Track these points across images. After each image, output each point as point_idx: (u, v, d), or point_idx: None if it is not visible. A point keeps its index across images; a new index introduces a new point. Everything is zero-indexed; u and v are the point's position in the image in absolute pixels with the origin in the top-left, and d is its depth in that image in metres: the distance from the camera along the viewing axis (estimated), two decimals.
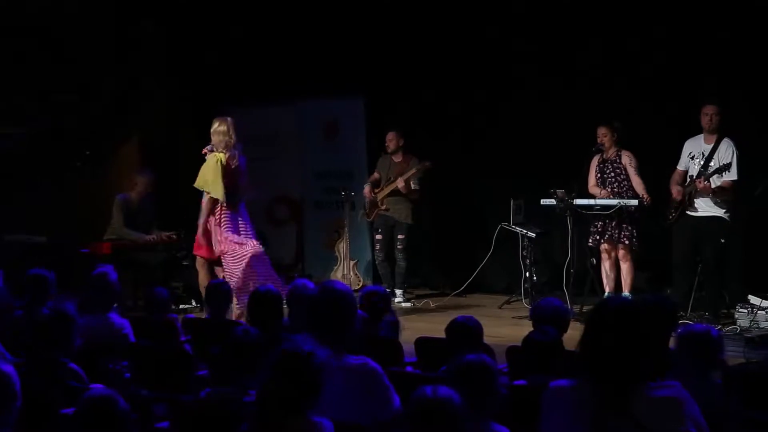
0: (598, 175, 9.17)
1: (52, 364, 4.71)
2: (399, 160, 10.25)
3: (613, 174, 9.07)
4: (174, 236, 10.04)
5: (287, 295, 5.88)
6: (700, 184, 8.36)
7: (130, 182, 10.32)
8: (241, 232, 8.48)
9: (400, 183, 9.99)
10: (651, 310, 4.69)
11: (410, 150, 10.30)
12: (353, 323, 4.00)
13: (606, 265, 9.11)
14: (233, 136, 8.49)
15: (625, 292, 8.93)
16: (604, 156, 9.13)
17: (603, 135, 9.05)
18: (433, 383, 3.37)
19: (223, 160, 8.37)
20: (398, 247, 10.23)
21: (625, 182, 9.02)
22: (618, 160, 9.05)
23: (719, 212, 8.45)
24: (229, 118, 8.55)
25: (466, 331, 5.10)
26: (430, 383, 4.33)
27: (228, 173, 8.38)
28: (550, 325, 4.80)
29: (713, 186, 8.36)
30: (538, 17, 10.22)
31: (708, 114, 8.43)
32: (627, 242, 8.93)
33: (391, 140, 10.19)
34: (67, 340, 4.90)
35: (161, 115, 11.85)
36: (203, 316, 7.32)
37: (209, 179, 8.34)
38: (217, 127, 8.47)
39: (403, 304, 10.07)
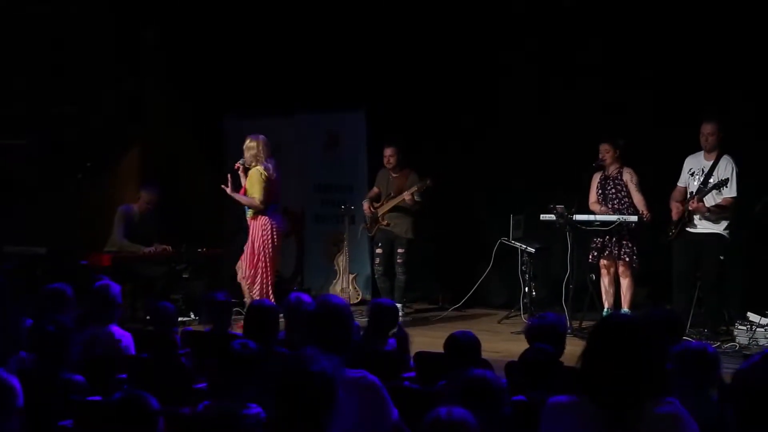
0: (600, 191, 9.18)
1: (53, 376, 4.72)
2: (397, 175, 10.25)
3: (614, 191, 9.08)
4: (171, 248, 10.08)
5: (284, 308, 5.89)
6: (693, 204, 8.37)
7: (134, 195, 10.34)
8: None
9: (407, 196, 10.00)
10: (655, 324, 4.70)
11: (410, 164, 10.31)
12: (350, 337, 4.00)
13: (605, 281, 9.12)
14: (262, 153, 9.07)
15: (625, 308, 8.94)
16: (606, 173, 9.14)
17: (605, 151, 9.06)
18: (433, 400, 3.35)
19: (263, 172, 8.99)
20: (398, 261, 10.23)
21: (626, 199, 9.03)
22: (619, 177, 9.06)
23: (719, 229, 8.46)
24: (261, 137, 9.16)
25: (464, 346, 5.10)
26: (428, 397, 4.35)
27: (270, 183, 9.07)
28: (545, 343, 4.80)
29: (708, 205, 8.37)
30: (539, 32, 10.25)
31: (704, 134, 8.45)
32: (627, 259, 8.94)
33: (391, 155, 10.20)
34: (63, 354, 4.91)
35: (162, 127, 11.86)
36: (202, 329, 7.34)
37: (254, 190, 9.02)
38: (248, 144, 9.14)
39: (402, 318, 10.07)
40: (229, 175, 9.19)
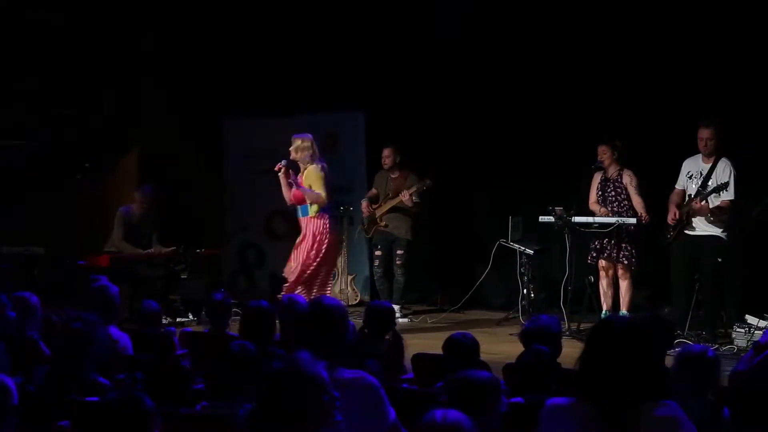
0: (599, 193, 9.18)
1: (59, 377, 4.72)
2: (396, 176, 10.26)
3: (614, 193, 9.07)
4: (173, 251, 10.10)
5: (278, 310, 5.89)
6: (697, 205, 8.36)
7: (131, 197, 10.36)
8: None
9: (405, 197, 10.00)
10: (649, 328, 4.71)
11: (408, 165, 10.32)
12: (344, 337, 4.01)
13: (603, 283, 9.12)
14: (317, 151, 8.95)
15: (624, 311, 8.94)
16: (606, 175, 9.13)
17: (603, 153, 9.06)
18: (432, 401, 3.34)
19: (319, 170, 8.86)
20: (397, 262, 10.24)
21: (626, 202, 9.02)
22: (619, 180, 9.06)
23: (717, 231, 8.45)
24: (310, 135, 9.02)
25: (462, 348, 5.10)
26: (426, 398, 4.34)
27: (327, 181, 8.93)
28: (539, 344, 4.80)
29: (711, 206, 8.37)
30: (538, 35, 10.25)
31: (702, 139, 8.43)
32: (626, 262, 8.93)
33: (388, 156, 10.21)
34: (88, 352, 4.90)
35: (161, 128, 11.87)
36: (201, 330, 7.34)
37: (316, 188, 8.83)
38: (301, 144, 8.93)
39: (401, 320, 10.07)
40: (291, 171, 9.03)
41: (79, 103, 11.25)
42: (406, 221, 10.24)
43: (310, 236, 8.93)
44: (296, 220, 11.83)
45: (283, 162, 8.98)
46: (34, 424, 4.04)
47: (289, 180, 8.97)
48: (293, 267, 8.97)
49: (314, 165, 8.90)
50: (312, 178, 8.87)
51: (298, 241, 9.02)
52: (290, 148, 8.97)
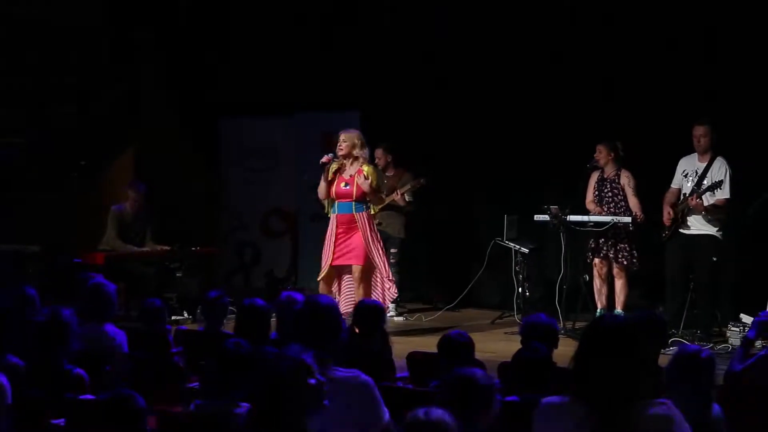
0: (596, 192, 9.18)
1: (49, 372, 4.72)
2: (391, 175, 10.27)
3: (610, 194, 9.07)
4: (168, 249, 10.11)
5: (276, 307, 5.89)
6: (693, 202, 8.37)
7: (124, 194, 10.37)
8: None
9: (397, 196, 10.00)
10: (643, 327, 4.72)
11: (405, 164, 10.32)
12: (338, 335, 4.01)
13: (597, 282, 9.13)
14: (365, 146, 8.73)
15: (618, 309, 8.94)
16: (604, 175, 9.13)
17: (599, 152, 9.06)
18: (427, 400, 3.35)
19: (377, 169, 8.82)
20: (391, 261, 10.23)
21: (623, 203, 9.01)
22: (617, 180, 9.05)
23: (712, 230, 8.47)
24: (357, 130, 8.83)
25: (457, 347, 5.10)
26: (421, 397, 4.35)
27: None
28: (539, 342, 4.81)
29: (706, 204, 8.38)
30: (535, 35, 10.25)
31: (696, 136, 8.46)
32: (626, 262, 8.92)
33: (380, 157, 10.21)
34: (64, 344, 4.90)
35: (158, 127, 11.86)
36: (196, 328, 7.34)
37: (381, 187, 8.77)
38: (358, 141, 8.64)
39: (396, 319, 10.08)
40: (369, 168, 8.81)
41: (78, 102, 11.25)
42: (399, 220, 10.25)
43: (368, 236, 8.69)
44: (292, 218, 11.92)
45: (331, 155, 8.68)
46: (28, 422, 4.04)
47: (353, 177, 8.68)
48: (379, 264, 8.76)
49: (371, 165, 8.76)
50: (375, 176, 8.65)
51: (367, 235, 8.68)
52: (341, 145, 8.62)
